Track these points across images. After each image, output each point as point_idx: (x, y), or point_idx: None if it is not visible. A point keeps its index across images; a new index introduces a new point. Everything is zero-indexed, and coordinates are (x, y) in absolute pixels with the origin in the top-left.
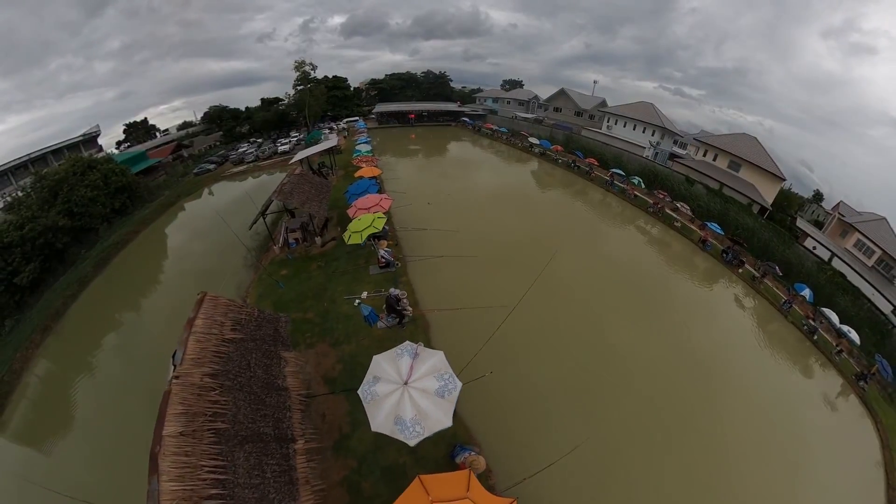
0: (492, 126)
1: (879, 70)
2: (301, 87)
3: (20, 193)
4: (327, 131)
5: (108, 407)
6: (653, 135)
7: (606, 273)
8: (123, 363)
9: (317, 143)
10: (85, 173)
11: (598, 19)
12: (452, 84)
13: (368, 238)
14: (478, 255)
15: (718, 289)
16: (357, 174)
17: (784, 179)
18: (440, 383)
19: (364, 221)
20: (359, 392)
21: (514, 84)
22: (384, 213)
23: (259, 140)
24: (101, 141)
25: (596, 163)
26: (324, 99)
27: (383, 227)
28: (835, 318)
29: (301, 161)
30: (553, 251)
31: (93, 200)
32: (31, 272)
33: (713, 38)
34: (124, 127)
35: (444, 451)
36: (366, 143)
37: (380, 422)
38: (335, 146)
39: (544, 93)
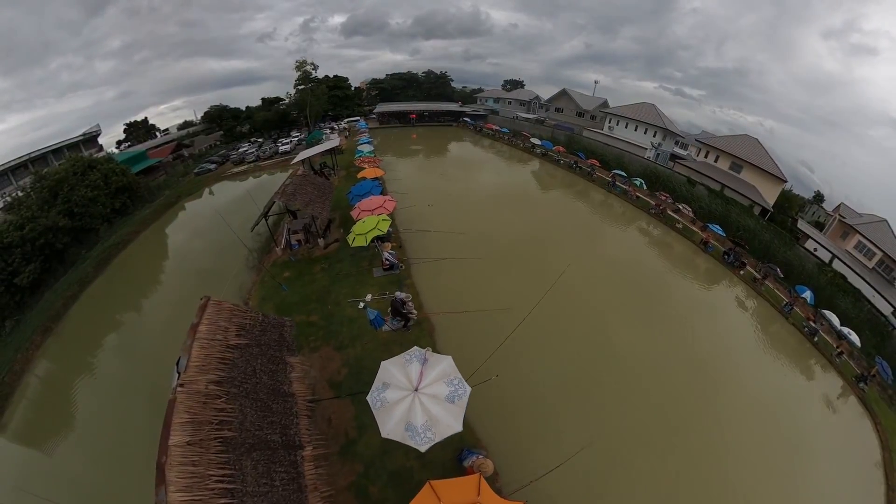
0: (493, 126)
1: (880, 70)
2: (302, 86)
3: (20, 193)
4: (328, 131)
5: (109, 409)
6: (654, 136)
7: (610, 275)
8: (125, 365)
9: (318, 143)
10: (85, 173)
11: (598, 19)
12: (453, 84)
13: (372, 240)
14: (481, 257)
15: (720, 290)
16: (360, 175)
17: (785, 181)
18: (450, 389)
19: (368, 224)
20: (368, 398)
21: (515, 84)
22: (388, 216)
23: (260, 140)
24: (101, 140)
25: (598, 164)
26: (325, 99)
27: (387, 230)
28: (835, 320)
29: (302, 161)
30: (566, 264)
31: (93, 200)
32: (31, 273)
33: (714, 39)
34: (125, 126)
35: (451, 455)
36: (367, 143)
37: (390, 428)
38: (336, 146)
39: (545, 93)
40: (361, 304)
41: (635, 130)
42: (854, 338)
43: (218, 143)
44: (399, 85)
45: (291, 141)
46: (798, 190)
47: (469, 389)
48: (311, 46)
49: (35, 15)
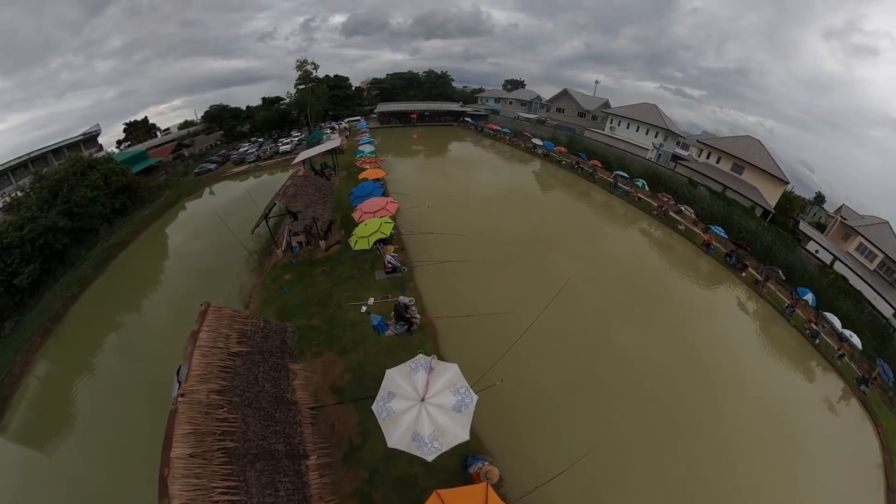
0: (494, 126)
1: (881, 71)
2: (303, 86)
3: (19, 194)
4: (329, 131)
5: (109, 411)
6: (656, 136)
7: (613, 277)
8: (125, 366)
9: (318, 143)
10: (85, 173)
11: (599, 19)
12: (454, 84)
13: (375, 243)
14: (484, 260)
15: (722, 293)
16: (361, 176)
17: (787, 183)
18: (457, 398)
19: (371, 226)
20: (373, 408)
21: (515, 84)
22: (391, 218)
23: (260, 140)
24: (101, 140)
25: (599, 165)
26: (325, 98)
27: (390, 232)
28: (837, 322)
29: (303, 162)
30: (568, 276)
31: (93, 200)
32: (30, 273)
33: (714, 39)
34: (125, 126)
35: (456, 461)
36: (369, 143)
37: (396, 438)
38: (337, 147)
39: (546, 93)
40: (364, 308)
41: (637, 131)
42: (855, 340)
43: (218, 142)
44: (400, 85)
45: (292, 141)
46: (798, 190)
47: (476, 398)
48: (312, 46)
49: (35, 14)
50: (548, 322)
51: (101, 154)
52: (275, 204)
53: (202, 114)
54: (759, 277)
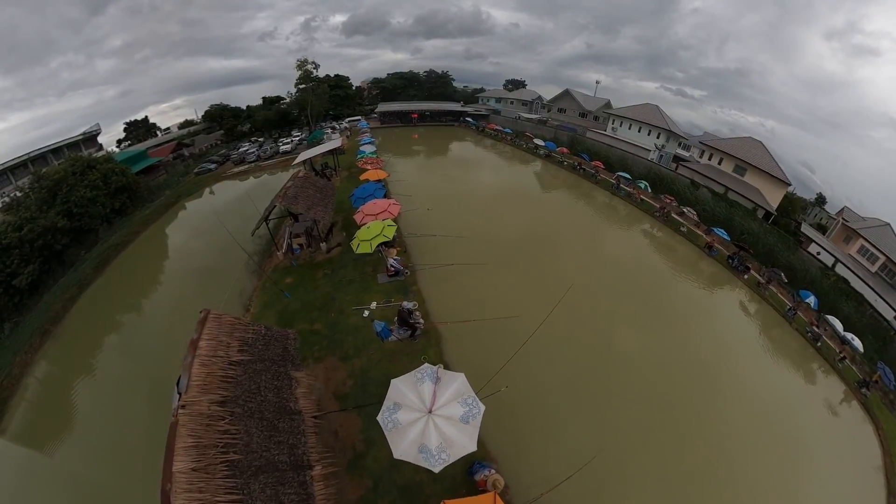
0: (495, 126)
1: (882, 71)
2: (303, 86)
3: (19, 194)
4: (329, 131)
5: (109, 412)
6: (658, 137)
7: (615, 279)
8: (125, 368)
9: (319, 143)
10: (84, 173)
11: (599, 19)
12: (455, 83)
13: (377, 246)
14: (487, 263)
15: (725, 295)
16: (363, 177)
17: (789, 184)
18: (464, 409)
19: (373, 229)
20: (378, 419)
21: (516, 84)
22: (393, 221)
23: (260, 139)
24: (101, 139)
25: (602, 166)
26: (326, 98)
27: (392, 235)
28: (839, 325)
29: (304, 162)
30: (569, 283)
31: (92, 201)
32: (29, 274)
33: (715, 39)
34: (125, 125)
35: (461, 469)
36: (370, 143)
37: (403, 450)
38: (338, 147)
39: (546, 93)
40: (366, 313)
41: (638, 132)
42: (857, 343)
43: (218, 142)
44: (400, 84)
45: (292, 140)
46: (799, 191)
47: (483, 408)
48: (312, 45)
49: (36, 13)
50: (551, 326)
51: (100, 153)
52: (275, 205)
53: (202, 113)
54: (762, 280)
